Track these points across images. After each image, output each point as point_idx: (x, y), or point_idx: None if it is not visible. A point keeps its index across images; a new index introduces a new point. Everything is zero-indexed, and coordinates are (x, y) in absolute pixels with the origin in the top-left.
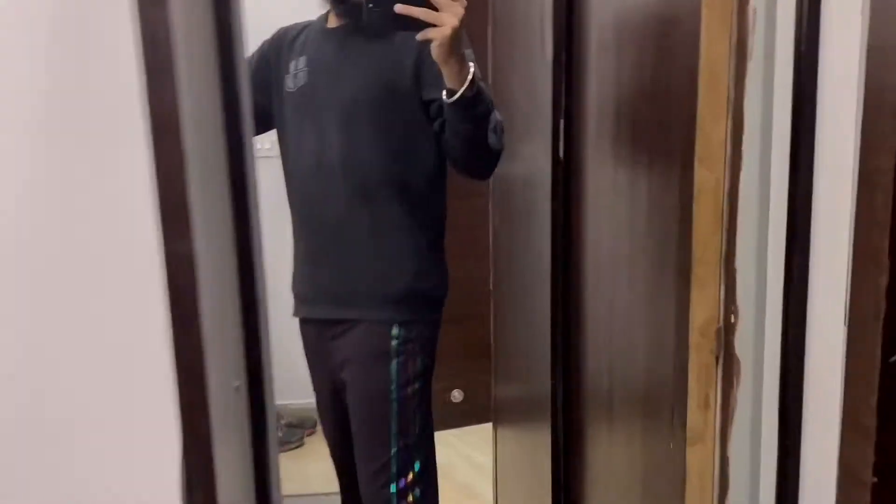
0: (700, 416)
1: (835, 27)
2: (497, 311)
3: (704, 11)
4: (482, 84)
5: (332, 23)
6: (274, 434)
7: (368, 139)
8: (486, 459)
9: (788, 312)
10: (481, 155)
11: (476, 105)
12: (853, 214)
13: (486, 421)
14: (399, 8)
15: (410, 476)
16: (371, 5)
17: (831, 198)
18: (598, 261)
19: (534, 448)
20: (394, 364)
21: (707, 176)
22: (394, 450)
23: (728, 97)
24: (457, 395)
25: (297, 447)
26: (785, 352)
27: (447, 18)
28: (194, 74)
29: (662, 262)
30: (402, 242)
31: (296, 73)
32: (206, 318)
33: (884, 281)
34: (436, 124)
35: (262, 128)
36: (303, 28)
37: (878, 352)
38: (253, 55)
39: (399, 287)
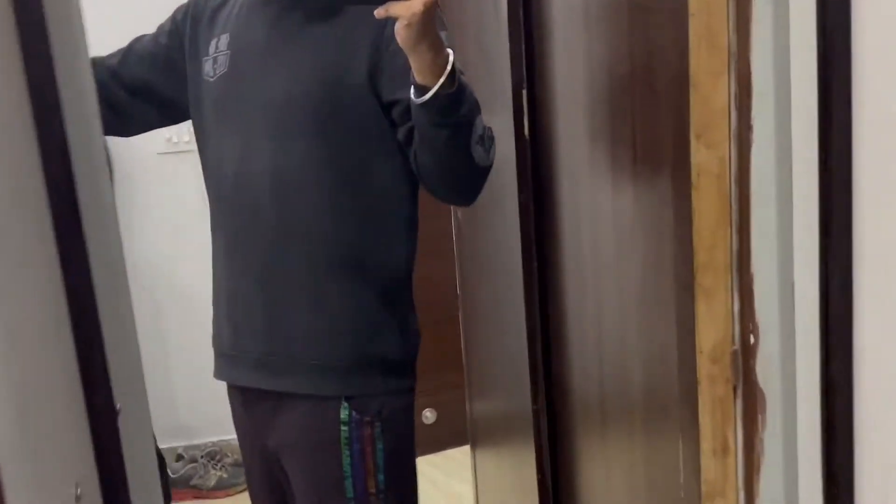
0: (717, 465)
1: None
2: (466, 318)
3: None
4: (464, 79)
5: None
6: None
7: (305, 153)
8: (465, 488)
9: (828, 329)
10: (463, 173)
11: (456, 106)
12: None
13: (465, 443)
14: None
15: None
16: None
17: (879, 175)
18: (580, 261)
19: (518, 474)
20: (346, 455)
21: (708, 155)
22: None
23: (729, 49)
24: (429, 416)
25: (243, 490)
26: (826, 381)
27: None
28: None
29: (657, 266)
30: (349, 291)
31: (216, 55)
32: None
33: None
34: (400, 133)
35: (167, 119)
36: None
37: None
38: (162, 25)
39: (345, 351)
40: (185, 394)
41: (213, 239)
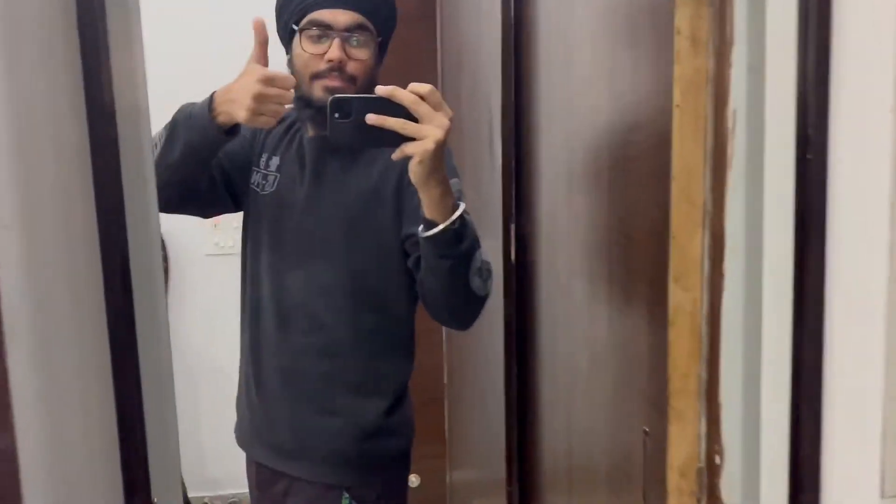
0: None
1: (852, 146)
2: (451, 401)
3: (675, 113)
4: (468, 217)
5: (310, 131)
6: None
7: (331, 279)
8: None
9: (799, 469)
10: (461, 300)
11: (459, 241)
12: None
13: (442, 501)
14: (371, 118)
15: None
16: (337, 116)
17: (854, 339)
18: (554, 365)
19: None
20: None
21: (684, 297)
22: None
23: (704, 208)
24: (414, 480)
25: None
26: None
27: (429, 130)
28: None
29: (628, 384)
30: (359, 403)
31: (266, 172)
32: None
33: None
34: (410, 261)
35: (225, 204)
36: (284, 120)
37: None
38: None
39: (351, 447)
40: (213, 450)
41: (243, 332)
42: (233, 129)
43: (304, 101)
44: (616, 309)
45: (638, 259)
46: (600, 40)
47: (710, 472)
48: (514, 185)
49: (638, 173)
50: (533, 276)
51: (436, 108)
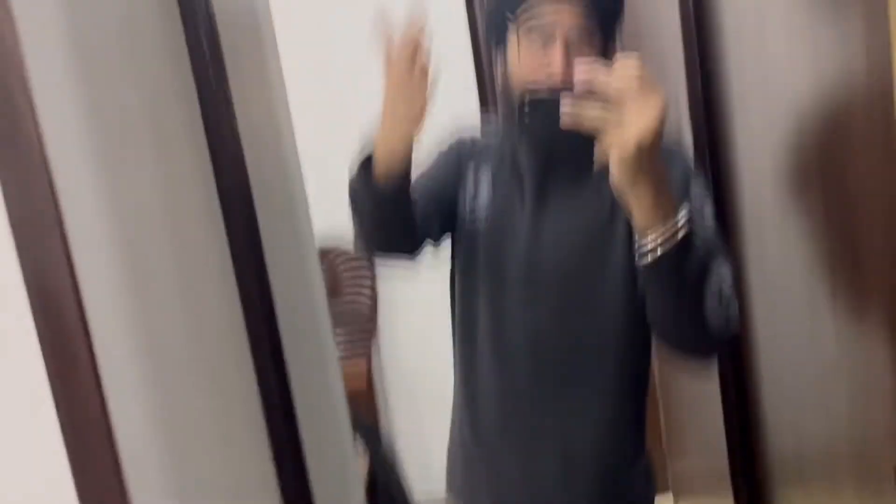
0: None
1: None
2: (663, 385)
3: None
4: (697, 227)
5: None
6: None
7: (561, 320)
8: None
9: None
10: (692, 332)
11: (681, 264)
12: None
13: (665, 490)
14: (564, 118)
15: None
16: (528, 110)
17: None
18: (777, 374)
19: None
20: None
21: None
22: None
23: None
24: None
25: None
26: None
27: (633, 118)
28: None
29: (869, 418)
30: (602, 451)
31: (476, 194)
32: None
33: None
34: (640, 283)
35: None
36: (490, 146)
37: None
38: (438, 160)
39: None
40: (439, 449)
41: (457, 377)
42: (396, 186)
43: (512, 106)
44: (844, 326)
45: (869, 274)
46: (798, 11)
47: None
48: (711, 186)
49: (858, 171)
50: (743, 279)
51: (644, 90)
